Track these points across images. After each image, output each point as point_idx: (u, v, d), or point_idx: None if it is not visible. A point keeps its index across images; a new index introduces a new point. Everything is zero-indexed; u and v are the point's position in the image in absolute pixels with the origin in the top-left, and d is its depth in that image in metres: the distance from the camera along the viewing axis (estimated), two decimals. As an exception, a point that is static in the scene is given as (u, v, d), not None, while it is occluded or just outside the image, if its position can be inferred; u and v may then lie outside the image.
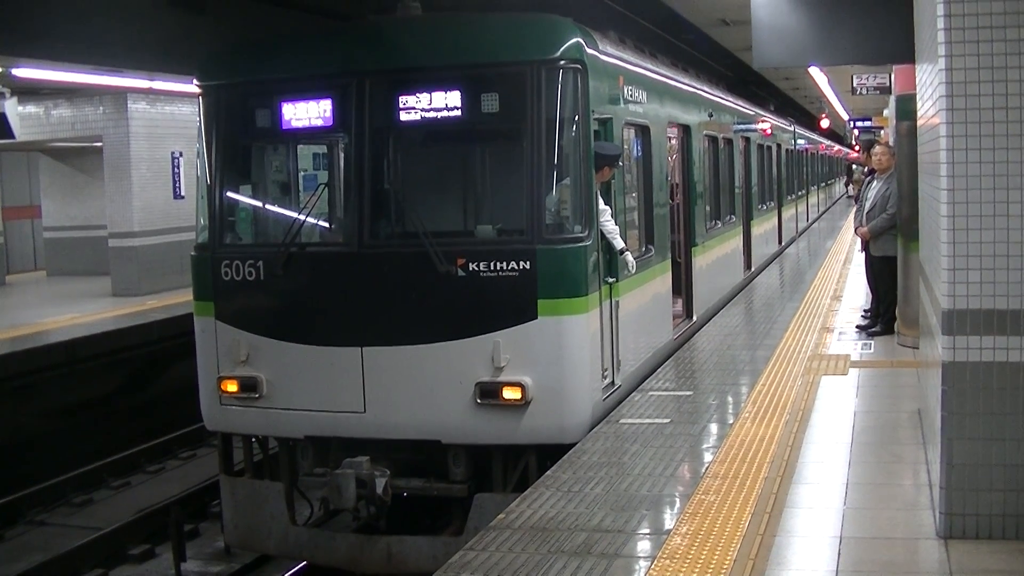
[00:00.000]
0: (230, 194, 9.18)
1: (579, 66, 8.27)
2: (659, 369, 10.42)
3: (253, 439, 9.35)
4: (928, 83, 6.44)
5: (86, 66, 14.00)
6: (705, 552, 5.67)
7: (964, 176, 5.49)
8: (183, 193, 20.91)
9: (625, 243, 9.14)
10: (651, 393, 9.42)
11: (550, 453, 7.90)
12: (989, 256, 5.48)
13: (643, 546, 5.86)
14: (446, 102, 8.32)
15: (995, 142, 5.44)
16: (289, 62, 8.98)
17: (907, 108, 10.76)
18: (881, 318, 12.05)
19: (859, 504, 6.48)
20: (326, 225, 9.70)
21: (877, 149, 12.28)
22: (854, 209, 14.42)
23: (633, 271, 9.24)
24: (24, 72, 14.54)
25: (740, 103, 18.17)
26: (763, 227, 20.02)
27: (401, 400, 8.26)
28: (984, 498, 5.60)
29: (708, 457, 7.47)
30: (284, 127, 8.90)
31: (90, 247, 23.06)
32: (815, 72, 22.99)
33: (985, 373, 5.52)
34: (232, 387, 8.74)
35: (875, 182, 12.18)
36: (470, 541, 6.07)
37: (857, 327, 12.34)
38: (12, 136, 16.96)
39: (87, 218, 23.40)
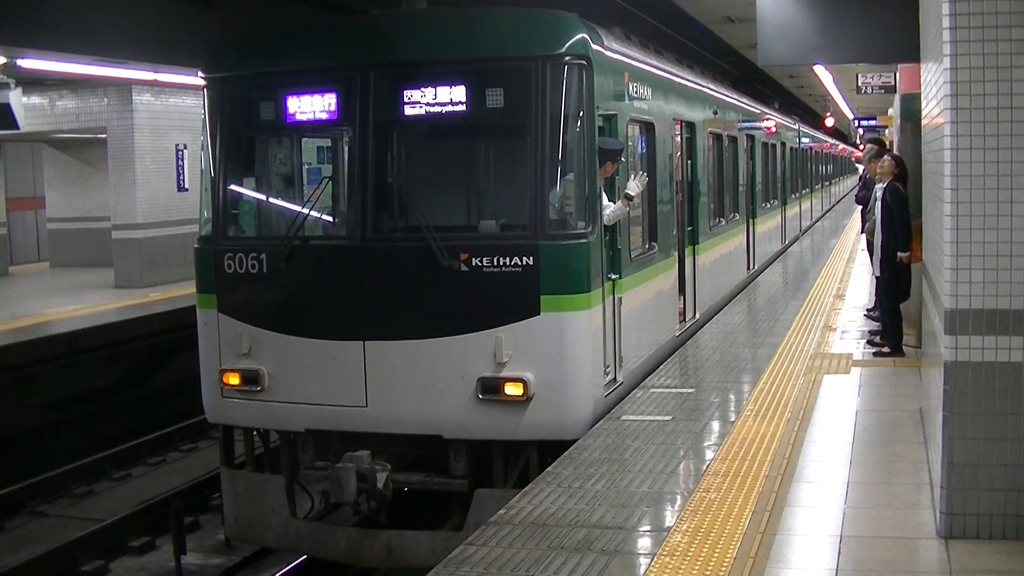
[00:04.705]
0: (234, 187, 9.18)
1: (584, 62, 8.26)
2: (661, 366, 10.41)
3: (254, 432, 9.35)
4: (933, 82, 6.44)
5: (90, 57, 14.01)
6: (705, 550, 5.67)
7: (968, 176, 5.49)
8: (187, 185, 20.91)
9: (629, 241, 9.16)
10: (653, 390, 9.42)
11: (551, 449, 7.90)
12: (992, 256, 5.48)
13: (643, 543, 5.86)
14: (450, 96, 8.31)
15: (999, 142, 5.44)
16: (294, 55, 8.98)
17: (912, 107, 10.75)
18: (890, 338, 11.32)
19: (860, 503, 6.48)
20: (329, 219, 9.71)
21: (887, 161, 11.99)
22: (859, 209, 14.19)
23: (643, 185, 9.11)
24: (29, 63, 14.52)
25: (745, 100, 18.15)
26: (767, 225, 20.01)
27: (403, 395, 8.26)
28: (985, 498, 5.61)
29: (709, 455, 7.47)
30: (288, 120, 8.90)
31: (93, 239, 23.05)
32: (820, 70, 22.96)
33: (987, 373, 5.52)
34: (234, 380, 8.74)
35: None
36: (470, 536, 6.08)
37: (868, 343, 11.73)
38: (16, 127, 16.93)
39: (90, 210, 23.38)
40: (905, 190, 10.65)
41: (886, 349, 10.99)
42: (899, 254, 10.54)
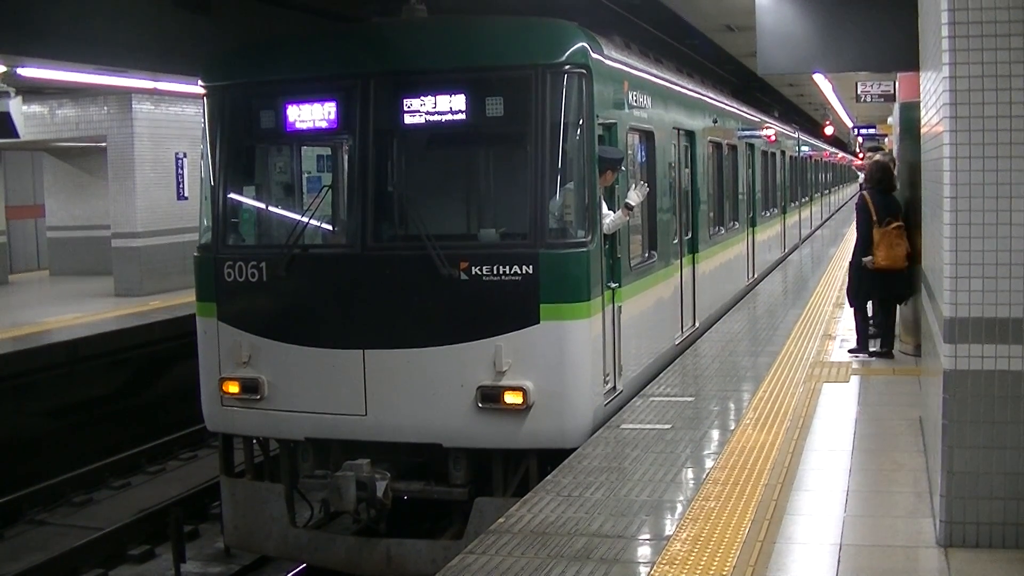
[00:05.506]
0: (234, 195, 9.19)
1: (584, 71, 8.27)
2: (661, 375, 10.41)
3: (254, 440, 9.35)
4: (932, 91, 6.44)
5: (90, 66, 14.02)
6: (705, 558, 5.66)
7: (967, 184, 5.49)
8: (187, 194, 20.94)
9: (628, 249, 9.16)
10: (652, 398, 9.41)
11: (551, 458, 7.90)
12: (991, 264, 5.47)
13: (643, 551, 5.86)
14: (450, 105, 8.33)
15: (998, 150, 5.44)
16: (294, 64, 8.99)
17: (911, 116, 10.76)
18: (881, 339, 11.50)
19: (859, 511, 6.47)
20: (329, 227, 9.71)
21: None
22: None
23: (643, 195, 9.21)
24: (29, 71, 14.55)
25: (744, 109, 18.17)
26: (766, 233, 20.03)
27: (402, 403, 8.26)
28: (984, 506, 5.60)
29: (709, 463, 7.47)
30: (288, 128, 8.91)
31: (93, 247, 23.09)
32: (819, 79, 23.00)
33: (986, 381, 5.52)
34: (233, 388, 8.74)
35: None
36: (470, 545, 6.07)
37: (870, 352, 11.52)
38: (16, 135, 16.93)
39: (90, 218, 23.43)
40: (878, 198, 10.81)
41: (869, 350, 11.26)
42: (863, 259, 10.93)
